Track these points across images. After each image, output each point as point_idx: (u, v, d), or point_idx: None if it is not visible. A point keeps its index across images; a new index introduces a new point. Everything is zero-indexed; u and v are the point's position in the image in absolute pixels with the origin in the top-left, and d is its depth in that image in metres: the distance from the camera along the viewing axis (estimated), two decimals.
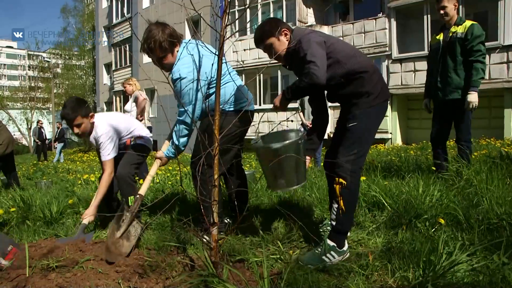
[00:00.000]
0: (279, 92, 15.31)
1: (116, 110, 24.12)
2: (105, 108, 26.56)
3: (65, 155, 19.64)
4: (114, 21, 24.37)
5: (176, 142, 2.75)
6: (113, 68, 24.77)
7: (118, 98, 23.96)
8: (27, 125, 34.08)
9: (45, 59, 34.91)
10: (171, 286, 1.90)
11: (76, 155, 20.73)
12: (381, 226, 2.63)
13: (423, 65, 12.42)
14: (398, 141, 13.79)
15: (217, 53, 1.90)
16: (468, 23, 3.88)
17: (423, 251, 1.94)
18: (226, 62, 2.56)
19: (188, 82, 2.58)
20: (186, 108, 2.59)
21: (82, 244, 2.54)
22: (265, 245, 2.35)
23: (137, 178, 6.03)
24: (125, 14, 23.51)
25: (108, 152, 3.18)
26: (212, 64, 2.58)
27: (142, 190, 2.80)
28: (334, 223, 2.24)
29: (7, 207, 3.89)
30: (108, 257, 2.35)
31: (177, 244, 2.66)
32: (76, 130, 3.13)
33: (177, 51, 2.72)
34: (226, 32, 1.85)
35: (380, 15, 13.62)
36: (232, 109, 2.75)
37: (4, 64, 57.47)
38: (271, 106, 15.19)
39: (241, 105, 2.75)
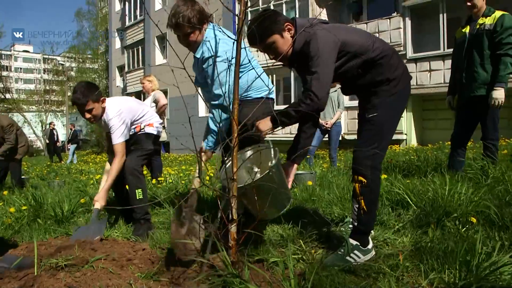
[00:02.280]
0: (292, 93, 15.17)
1: None
2: (160, 133, 26.74)
3: (78, 157, 19.76)
4: (127, 23, 24.51)
5: (215, 128, 2.60)
6: (126, 70, 24.90)
7: None
8: (42, 127, 34.48)
9: (60, 62, 35.33)
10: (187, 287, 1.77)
11: (89, 157, 20.83)
12: (407, 225, 2.48)
13: (438, 64, 12.17)
14: (413, 142, 13.52)
15: (235, 38, 1.78)
16: (498, 13, 3.65)
17: (459, 251, 1.79)
18: (245, 48, 2.42)
19: (222, 62, 2.45)
20: (222, 90, 2.46)
21: (94, 243, 2.43)
22: (286, 244, 2.22)
23: (145, 172, 5.97)
24: (138, 16, 23.61)
25: (119, 135, 3.06)
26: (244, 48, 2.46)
27: (196, 185, 2.60)
28: (356, 223, 2.09)
29: (18, 205, 3.82)
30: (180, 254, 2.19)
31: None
32: (87, 115, 3.03)
33: (205, 29, 2.59)
34: (244, 16, 1.73)
35: (395, 14, 13.39)
36: (258, 96, 2.63)
37: (21, 68, 58.32)
38: (283, 107, 14.98)
39: (264, 93, 2.62)
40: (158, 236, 2.84)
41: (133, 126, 3.29)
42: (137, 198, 3.09)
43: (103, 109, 3.12)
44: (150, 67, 21.11)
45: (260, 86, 2.65)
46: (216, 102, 2.57)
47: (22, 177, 7.41)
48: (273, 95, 2.80)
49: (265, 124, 2.13)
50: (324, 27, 2.10)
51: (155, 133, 3.40)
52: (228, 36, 2.36)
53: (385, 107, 2.06)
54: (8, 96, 31.67)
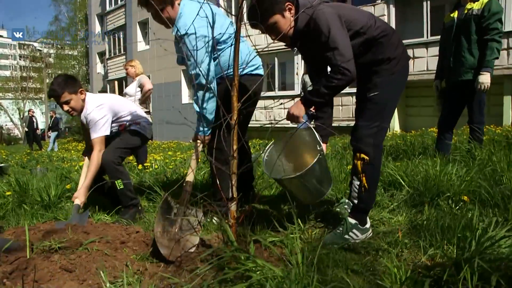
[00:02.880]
0: (296, 78, 14.98)
1: None
2: (145, 131, 26.24)
3: (59, 145, 19.36)
4: (108, 8, 23.92)
5: (204, 112, 2.48)
6: (107, 56, 24.37)
7: (112, 87, 23.64)
8: (20, 115, 33.62)
9: (37, 48, 34.36)
10: (189, 267, 1.75)
11: (71, 144, 20.43)
12: (401, 204, 2.50)
13: (421, 52, 12.28)
14: (397, 128, 13.69)
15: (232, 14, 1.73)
16: None
17: (456, 227, 1.81)
18: (231, 22, 2.36)
19: (198, 39, 2.34)
20: (199, 69, 2.35)
21: (86, 226, 2.38)
22: (282, 225, 2.21)
23: (136, 163, 5.89)
24: (119, 1, 23.06)
25: (98, 128, 2.96)
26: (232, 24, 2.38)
27: (190, 177, 2.47)
28: (356, 201, 2.10)
29: (2, 191, 3.71)
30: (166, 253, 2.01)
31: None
32: (65, 107, 2.94)
33: (178, 4, 2.48)
34: None
35: (379, 1, 13.41)
36: (245, 72, 2.54)
37: None
38: (288, 93, 14.83)
39: (251, 69, 2.53)
40: (151, 220, 2.80)
41: (117, 124, 3.19)
42: (118, 188, 3.01)
43: (83, 102, 3.01)
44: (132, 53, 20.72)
45: (242, 62, 2.50)
46: (196, 82, 2.44)
47: (1, 164, 7.27)
48: (261, 71, 2.69)
49: (297, 108, 2.10)
50: (327, 5, 2.08)
51: (141, 130, 3.26)
52: (210, 10, 2.27)
53: (386, 86, 2.06)
54: None
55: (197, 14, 2.19)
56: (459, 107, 4.07)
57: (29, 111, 18.93)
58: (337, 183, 3.14)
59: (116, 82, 8.22)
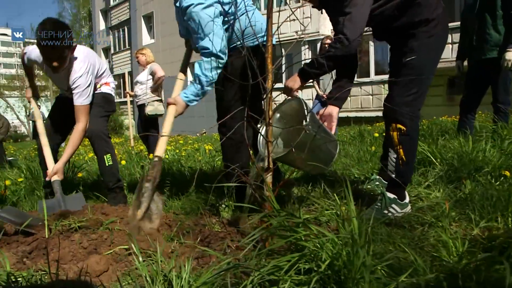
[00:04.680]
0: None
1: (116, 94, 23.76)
2: (114, 95, 26.22)
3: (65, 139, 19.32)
4: (112, 3, 23.77)
5: (203, 77, 2.16)
6: (112, 51, 24.25)
7: (117, 81, 23.56)
8: (26, 112, 33.64)
9: None
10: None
11: None
12: (437, 181, 2.36)
13: None
14: None
15: None
16: None
17: (506, 199, 1.67)
18: None
19: (205, 9, 2.12)
20: (209, 40, 2.12)
21: (105, 207, 2.26)
22: (312, 203, 2.08)
23: (146, 153, 5.77)
24: None
25: (86, 96, 2.64)
26: None
27: (159, 151, 2.19)
28: (393, 175, 1.96)
29: (14, 178, 3.61)
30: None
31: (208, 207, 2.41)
32: (55, 63, 2.47)
33: None
34: None
35: None
36: (253, 44, 2.29)
37: (0, 52, 56.53)
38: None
39: (260, 40, 2.24)
40: (169, 203, 2.69)
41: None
42: (107, 164, 2.76)
43: (71, 59, 2.63)
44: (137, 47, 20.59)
45: (256, 33, 2.22)
46: (206, 51, 2.16)
47: (10, 158, 7.23)
48: (274, 41, 2.49)
49: (293, 80, 1.97)
50: None
51: (112, 93, 3.01)
52: None
53: (424, 50, 1.91)
54: None
55: None
56: (483, 87, 3.91)
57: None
58: (362, 164, 3.00)
59: (126, 74, 8.08)
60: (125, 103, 19.77)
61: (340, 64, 1.97)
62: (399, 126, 1.91)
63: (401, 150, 1.91)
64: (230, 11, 2.25)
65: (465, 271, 1.07)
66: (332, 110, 2.03)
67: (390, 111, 1.94)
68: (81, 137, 2.66)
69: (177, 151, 6.25)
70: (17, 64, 42.49)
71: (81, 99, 2.64)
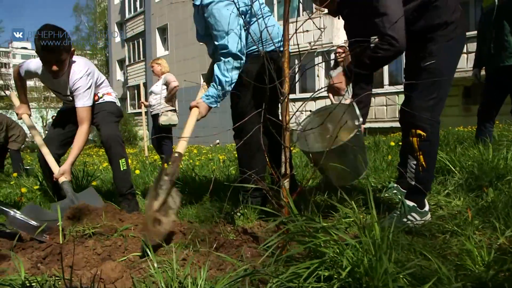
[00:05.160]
0: (317, 80, 14.70)
1: (127, 106, 24.01)
2: (119, 104, 26.54)
3: None
4: (127, 16, 24.20)
5: (222, 78, 2.16)
6: (127, 63, 24.60)
7: (131, 93, 23.84)
8: (42, 123, 34.25)
9: None
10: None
11: (92, 150, 20.61)
12: (456, 189, 2.29)
13: None
14: None
15: None
16: None
17: None
18: None
19: (226, 6, 2.13)
20: (228, 38, 2.13)
21: (120, 213, 2.25)
22: (329, 211, 2.03)
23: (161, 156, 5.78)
24: (138, 8, 23.30)
25: (87, 97, 2.66)
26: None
27: (180, 148, 2.16)
28: (413, 182, 1.91)
29: (30, 186, 3.64)
30: (147, 235, 1.79)
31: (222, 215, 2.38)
32: (55, 67, 2.49)
33: None
34: None
35: None
36: (269, 49, 2.28)
37: None
38: (308, 95, 14.56)
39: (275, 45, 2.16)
40: (183, 211, 2.67)
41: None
42: (121, 169, 2.75)
43: (69, 63, 2.65)
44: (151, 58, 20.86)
45: (272, 37, 2.26)
46: (224, 51, 2.17)
47: (27, 167, 7.32)
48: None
49: (339, 79, 1.95)
50: None
51: (116, 102, 3.03)
52: None
53: (443, 53, 1.86)
54: (7, 93, 31.43)
55: None
56: (501, 95, 3.84)
57: (52, 117, 19.25)
58: (379, 173, 2.95)
59: (141, 85, 8.15)
60: (139, 114, 20.02)
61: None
62: (419, 131, 1.86)
63: (421, 156, 1.86)
64: (247, 15, 2.26)
65: (495, 280, 1.02)
66: None
67: (409, 117, 1.90)
68: (85, 138, 2.68)
69: (191, 161, 6.26)
70: None
71: (82, 101, 2.67)
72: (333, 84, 1.98)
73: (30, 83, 44.95)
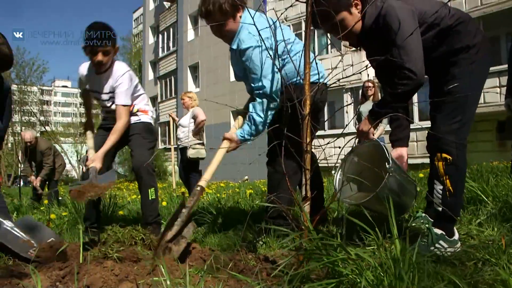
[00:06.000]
0: (346, 116, 14.64)
1: (158, 142, 24.51)
2: (153, 123, 27.25)
3: None
4: (160, 54, 25.24)
5: (257, 118, 2.28)
6: (159, 100, 25.41)
7: (163, 130, 24.42)
8: (77, 157, 35.45)
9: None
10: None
11: (122, 184, 21.02)
12: (490, 219, 2.18)
13: None
14: None
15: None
16: None
17: None
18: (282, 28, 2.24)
19: (263, 52, 2.23)
20: (264, 81, 2.25)
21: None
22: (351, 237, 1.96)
23: (183, 190, 5.81)
24: (171, 47, 24.31)
25: (128, 96, 2.79)
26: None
27: (203, 182, 2.21)
28: (440, 208, 1.83)
29: (59, 213, 3.72)
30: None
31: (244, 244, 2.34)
32: (100, 57, 2.69)
33: (240, 16, 2.36)
34: None
35: None
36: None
37: (59, 102, 60.94)
38: (337, 131, 14.53)
39: (314, 78, 2.26)
40: (206, 240, 2.65)
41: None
42: (150, 198, 2.82)
43: (113, 60, 2.84)
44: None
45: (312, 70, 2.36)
46: (260, 92, 2.30)
47: (60, 198, 7.54)
48: (322, 79, 2.47)
49: (365, 124, 1.99)
50: None
51: (152, 122, 3.11)
52: (271, 21, 2.10)
53: (467, 76, 1.83)
54: (48, 128, 32.99)
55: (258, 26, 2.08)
56: None
57: (87, 151, 19.89)
58: None
59: (171, 121, 8.33)
60: (169, 149, 20.40)
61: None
62: (444, 155, 1.80)
63: (447, 180, 1.79)
64: (283, 52, 2.33)
65: None
66: (402, 151, 2.08)
67: (434, 140, 1.85)
68: (120, 133, 2.76)
69: (218, 194, 6.27)
70: (73, 113, 45.43)
71: (122, 99, 2.78)
72: (361, 130, 2.01)
73: (68, 119, 47.11)
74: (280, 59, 2.30)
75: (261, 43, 2.18)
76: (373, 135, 2.07)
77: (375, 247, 1.75)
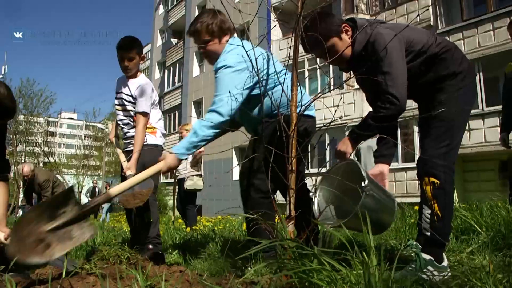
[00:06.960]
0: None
1: (160, 176, 24.48)
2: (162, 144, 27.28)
3: (111, 217, 19.77)
4: (165, 89, 25.70)
5: (199, 131, 2.16)
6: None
7: None
8: (78, 188, 35.32)
9: (100, 128, 37.05)
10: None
11: (122, 217, 20.82)
12: (481, 248, 2.14)
13: (478, 123, 11.75)
14: (456, 205, 12.75)
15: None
16: None
17: None
18: (274, 62, 2.29)
19: (233, 73, 2.24)
20: (220, 98, 2.20)
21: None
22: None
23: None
24: (176, 83, 24.78)
25: (148, 105, 2.99)
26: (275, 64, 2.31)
27: (116, 189, 2.15)
28: (428, 233, 1.81)
29: None
30: (16, 252, 1.68)
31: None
32: (126, 63, 2.99)
33: (226, 41, 2.42)
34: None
35: None
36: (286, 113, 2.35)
37: (65, 134, 61.55)
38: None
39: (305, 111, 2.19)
40: (196, 266, 2.62)
41: None
42: (145, 220, 2.96)
43: (138, 68, 3.11)
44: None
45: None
46: (212, 108, 2.22)
47: None
48: (313, 112, 2.50)
49: (344, 144, 1.97)
50: (385, 26, 2.01)
51: (159, 143, 3.20)
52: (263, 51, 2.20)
53: (454, 101, 1.87)
54: (51, 159, 33.16)
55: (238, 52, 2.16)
56: None
57: (93, 182, 20.45)
58: (400, 234, 2.82)
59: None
60: (170, 184, 20.36)
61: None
62: (432, 179, 1.81)
63: (435, 204, 1.79)
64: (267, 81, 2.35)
65: None
66: (383, 167, 2.04)
67: (422, 164, 1.86)
68: (142, 136, 2.95)
69: (215, 227, 6.20)
70: (77, 145, 45.77)
71: (143, 107, 2.97)
72: (339, 150, 1.99)
73: (72, 150, 47.32)
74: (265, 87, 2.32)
75: (235, 65, 2.21)
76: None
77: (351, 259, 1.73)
